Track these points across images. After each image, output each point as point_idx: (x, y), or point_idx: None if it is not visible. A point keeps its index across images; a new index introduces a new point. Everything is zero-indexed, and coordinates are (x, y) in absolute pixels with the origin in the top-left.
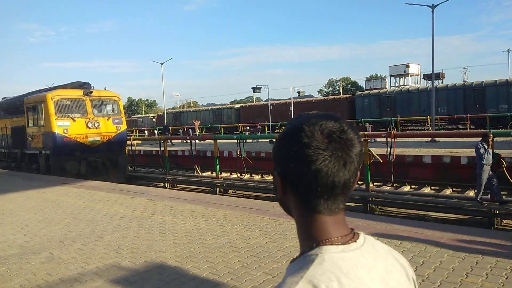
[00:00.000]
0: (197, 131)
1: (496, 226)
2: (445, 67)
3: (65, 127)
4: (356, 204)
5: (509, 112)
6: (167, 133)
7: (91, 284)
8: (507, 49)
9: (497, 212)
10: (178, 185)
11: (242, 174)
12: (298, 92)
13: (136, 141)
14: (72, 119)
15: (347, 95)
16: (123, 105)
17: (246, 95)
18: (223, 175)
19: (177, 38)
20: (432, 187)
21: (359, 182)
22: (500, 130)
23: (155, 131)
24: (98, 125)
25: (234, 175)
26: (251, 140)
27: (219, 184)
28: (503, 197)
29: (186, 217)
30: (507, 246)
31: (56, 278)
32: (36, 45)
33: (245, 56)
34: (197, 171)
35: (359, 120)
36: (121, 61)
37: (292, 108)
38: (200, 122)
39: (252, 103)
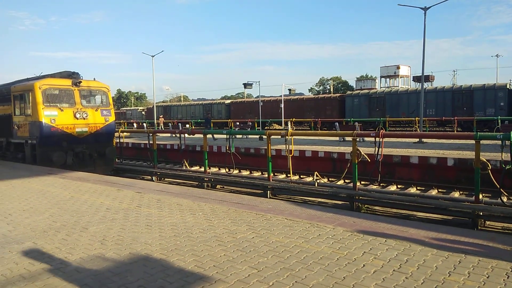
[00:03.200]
0: (161, 126)
1: (479, 227)
2: (435, 70)
3: (52, 116)
4: (343, 202)
5: (495, 116)
6: (208, 126)
7: (74, 274)
8: (496, 54)
9: (481, 213)
10: (165, 179)
11: (231, 169)
12: (289, 90)
13: (125, 134)
14: (60, 109)
15: (338, 94)
16: (112, 97)
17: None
18: (211, 170)
19: (168, 32)
20: (418, 188)
21: (346, 181)
22: (487, 133)
23: (144, 124)
24: (86, 116)
25: (223, 170)
26: (240, 136)
27: (207, 179)
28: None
29: (173, 210)
30: (489, 246)
31: (39, 267)
32: (26, 33)
33: (237, 52)
34: (185, 165)
35: (349, 119)
36: (111, 53)
37: (282, 106)
38: (163, 118)
39: (243, 99)
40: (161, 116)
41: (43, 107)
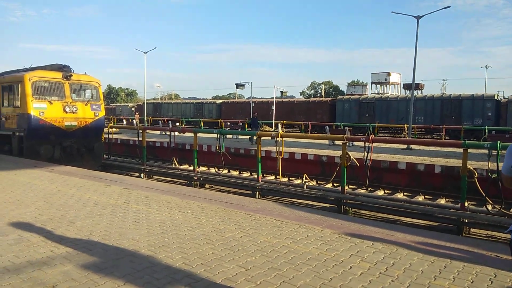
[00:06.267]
0: (136, 122)
1: (464, 234)
2: (425, 78)
3: (41, 109)
4: (331, 205)
5: (483, 126)
6: (255, 128)
7: (60, 268)
8: (485, 65)
9: (466, 220)
10: (154, 176)
11: (220, 169)
12: (281, 92)
13: (114, 130)
14: (49, 101)
15: (329, 99)
16: (102, 92)
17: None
18: (200, 169)
19: (162, 29)
20: (405, 193)
21: (334, 184)
22: (475, 142)
23: (134, 121)
24: (76, 110)
25: (212, 170)
26: (231, 136)
27: (196, 178)
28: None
29: (161, 207)
30: (474, 252)
31: (24, 260)
32: (17, 24)
33: (230, 52)
34: (174, 163)
35: (339, 123)
36: (103, 47)
37: (274, 107)
38: (138, 115)
39: (234, 100)
40: (137, 113)
41: (32, 99)
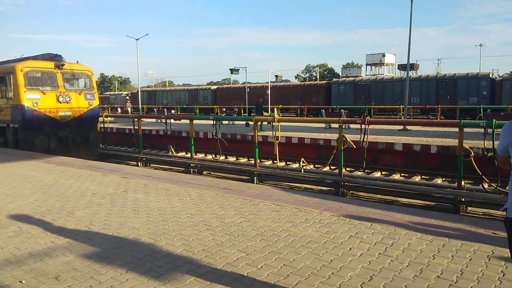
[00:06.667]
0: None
1: (461, 213)
2: (420, 58)
3: (34, 100)
4: (329, 188)
5: (478, 104)
6: (259, 114)
7: (61, 258)
8: (480, 44)
9: (463, 199)
10: (151, 165)
11: (217, 155)
12: (276, 76)
13: (109, 119)
14: (42, 92)
15: (324, 82)
16: (96, 81)
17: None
18: (198, 155)
19: (153, 15)
20: (402, 174)
21: (332, 167)
22: (470, 121)
23: (129, 109)
24: (70, 100)
25: (209, 156)
26: (227, 122)
27: (193, 165)
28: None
29: (160, 195)
30: (471, 231)
31: (25, 252)
32: (5, 14)
33: (224, 37)
34: (171, 151)
35: (335, 106)
36: (94, 36)
37: (269, 92)
38: (130, 104)
39: (229, 85)
40: (129, 101)
41: (25, 90)
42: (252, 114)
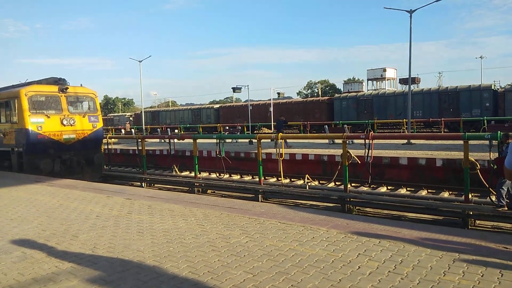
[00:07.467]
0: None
1: (470, 227)
2: (421, 72)
3: (39, 124)
4: (334, 205)
5: (481, 116)
6: (281, 130)
7: (66, 283)
8: (480, 56)
9: (471, 213)
10: (155, 185)
11: (221, 174)
12: (278, 93)
13: (113, 140)
14: (47, 115)
15: (326, 97)
16: (100, 103)
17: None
18: (202, 175)
19: (156, 37)
20: (408, 188)
21: (337, 183)
22: (475, 133)
23: (132, 130)
24: (74, 122)
25: (213, 175)
26: (230, 140)
27: (198, 184)
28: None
29: (164, 216)
30: (481, 245)
31: (29, 278)
32: (10, 40)
33: (225, 57)
34: (175, 170)
35: (338, 122)
36: (98, 59)
37: (271, 109)
38: (129, 124)
39: (232, 104)
40: (127, 122)
41: (29, 114)
42: (255, 132)
